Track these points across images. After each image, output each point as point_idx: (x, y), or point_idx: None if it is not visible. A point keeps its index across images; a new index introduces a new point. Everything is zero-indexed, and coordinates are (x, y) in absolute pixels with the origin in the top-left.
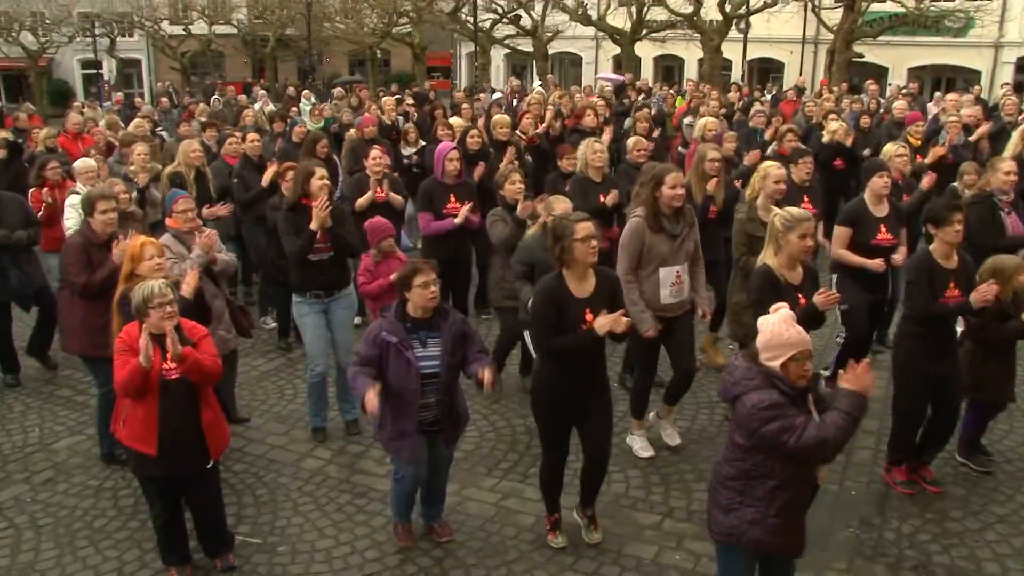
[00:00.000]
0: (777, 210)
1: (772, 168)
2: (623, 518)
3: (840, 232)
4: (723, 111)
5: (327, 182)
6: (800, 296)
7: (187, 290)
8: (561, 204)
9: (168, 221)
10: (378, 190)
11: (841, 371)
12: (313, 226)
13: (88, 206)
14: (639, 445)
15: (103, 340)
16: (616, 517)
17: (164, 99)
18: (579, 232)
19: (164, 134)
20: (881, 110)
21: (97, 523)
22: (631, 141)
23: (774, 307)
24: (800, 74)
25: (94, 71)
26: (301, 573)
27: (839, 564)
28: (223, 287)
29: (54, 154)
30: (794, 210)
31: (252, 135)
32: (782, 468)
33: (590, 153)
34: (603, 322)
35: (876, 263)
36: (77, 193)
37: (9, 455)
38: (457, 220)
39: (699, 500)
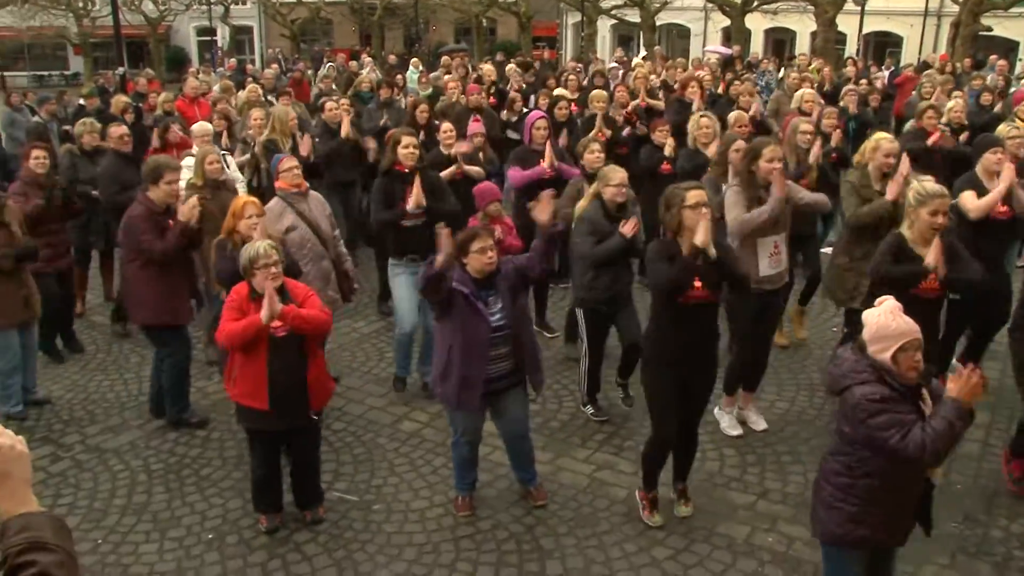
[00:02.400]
0: (914, 183)
1: (884, 140)
2: (716, 497)
3: (967, 194)
4: (827, 88)
5: (414, 150)
6: (932, 274)
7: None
8: (617, 174)
9: (276, 183)
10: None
11: (951, 373)
12: (410, 206)
13: (154, 175)
14: (727, 422)
15: (173, 306)
16: (709, 495)
17: (274, 65)
18: (690, 199)
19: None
20: (1012, 89)
21: (204, 471)
22: (732, 116)
23: (879, 299)
24: (920, 49)
25: (208, 38)
26: (394, 531)
27: (941, 559)
28: (331, 249)
29: (171, 117)
30: (929, 185)
31: (331, 103)
32: (887, 467)
33: (696, 128)
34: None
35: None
36: (192, 156)
37: (126, 402)
38: (545, 163)
39: (795, 482)
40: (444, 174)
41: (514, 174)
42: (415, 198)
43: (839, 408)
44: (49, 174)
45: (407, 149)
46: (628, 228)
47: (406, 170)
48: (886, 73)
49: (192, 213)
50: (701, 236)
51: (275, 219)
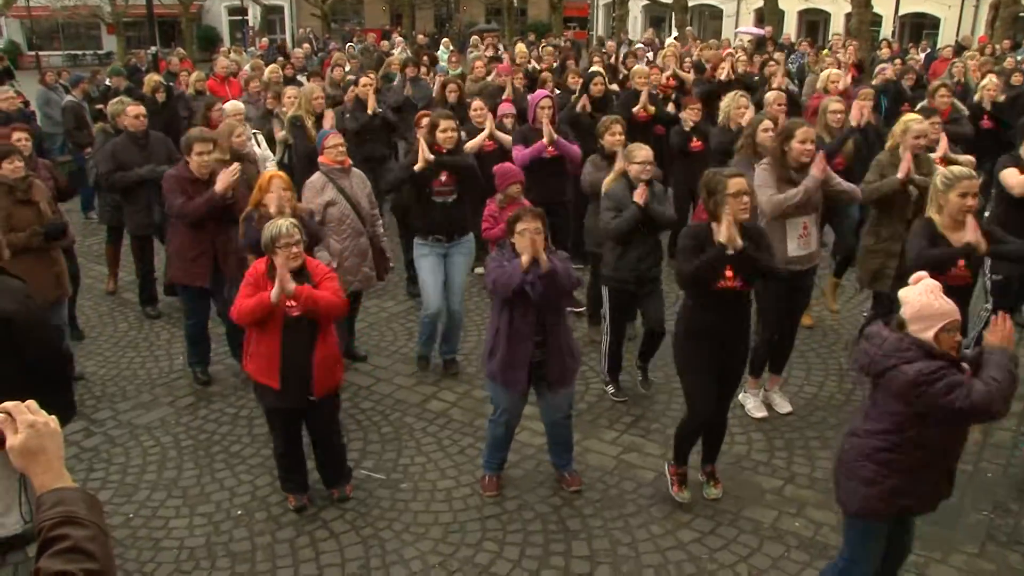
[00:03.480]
0: (940, 168)
1: (914, 122)
2: (743, 480)
3: (1010, 171)
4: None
5: (452, 133)
6: (960, 260)
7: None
8: (642, 152)
9: (320, 158)
10: (487, 141)
11: (985, 331)
12: (417, 167)
13: (187, 147)
14: (752, 404)
15: (194, 270)
16: (736, 479)
17: (306, 45)
18: (731, 187)
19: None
20: None
21: (233, 448)
22: (770, 96)
23: (914, 277)
24: (957, 31)
25: (240, 17)
26: (421, 510)
27: (969, 547)
28: (369, 226)
29: (203, 97)
30: (956, 168)
31: (365, 79)
32: (936, 435)
33: (734, 108)
34: (726, 231)
35: None
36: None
37: (157, 379)
38: (544, 140)
39: (823, 468)
40: (474, 143)
41: (517, 153)
42: (421, 155)
43: (877, 388)
44: (31, 156)
45: (445, 133)
46: (638, 195)
47: (444, 151)
48: (922, 55)
49: (229, 181)
50: (724, 233)
51: (316, 193)
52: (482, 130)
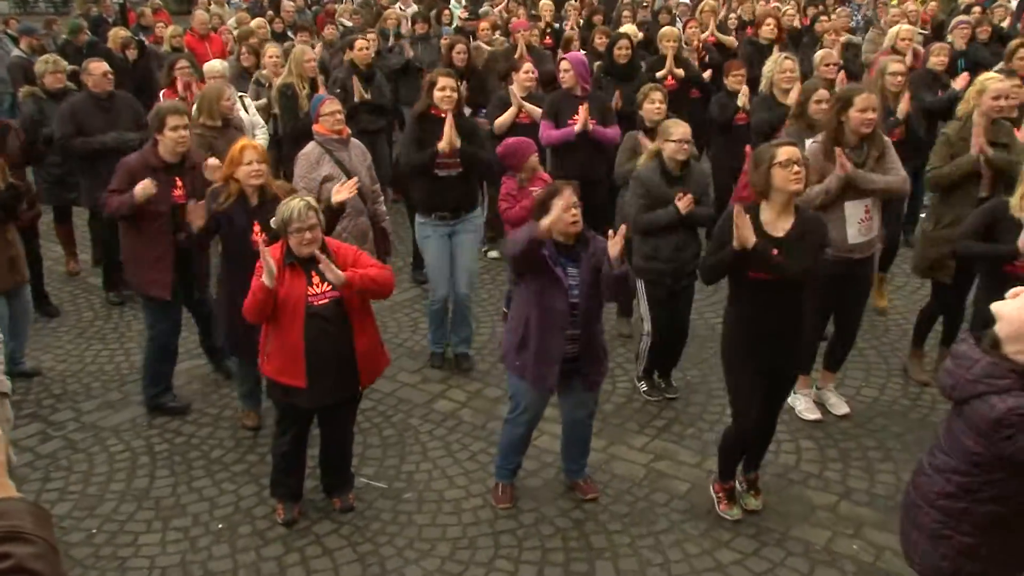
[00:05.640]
0: None
1: (992, 81)
2: (791, 495)
3: None
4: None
5: (451, 93)
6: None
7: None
8: (679, 128)
9: (315, 127)
10: (522, 112)
11: None
12: (441, 146)
13: (158, 121)
14: (803, 406)
15: (152, 276)
16: (783, 493)
17: None
18: (781, 155)
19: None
20: None
21: (214, 453)
22: (819, 55)
23: (1013, 292)
24: None
25: None
26: (427, 524)
27: None
28: (369, 204)
29: (181, 54)
30: None
31: (362, 41)
32: (1020, 489)
33: (777, 71)
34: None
35: None
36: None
37: (127, 375)
38: (577, 127)
39: (884, 483)
40: (505, 118)
41: (545, 131)
42: (447, 137)
43: (958, 415)
44: None
45: (443, 92)
46: (683, 204)
47: (442, 115)
48: (1014, 3)
49: (148, 193)
50: (739, 239)
51: (311, 167)
52: (523, 95)
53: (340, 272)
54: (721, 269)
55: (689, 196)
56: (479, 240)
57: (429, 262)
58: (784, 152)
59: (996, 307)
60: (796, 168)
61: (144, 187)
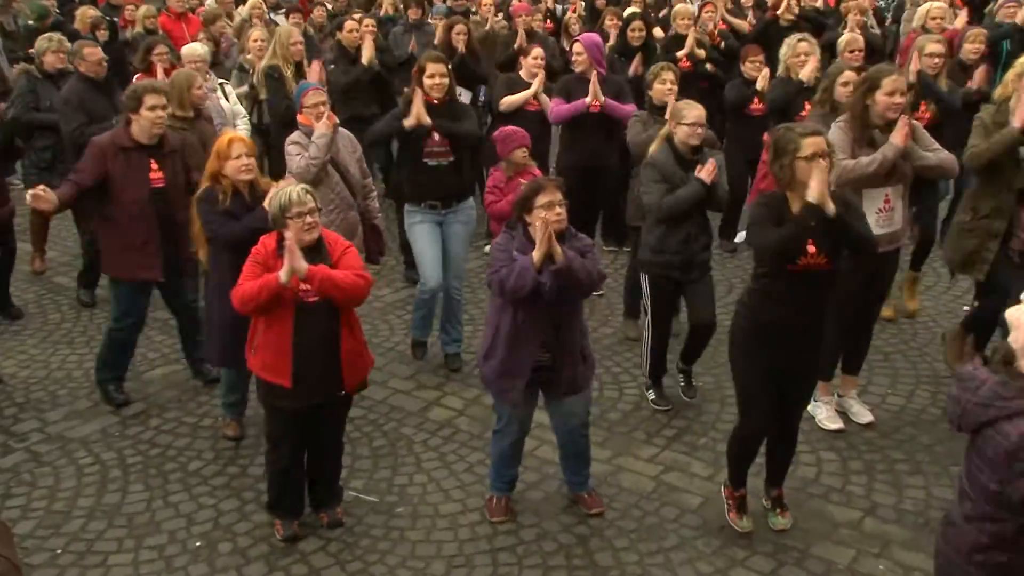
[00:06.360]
0: None
1: None
2: (811, 510)
3: None
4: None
5: (441, 80)
6: None
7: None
8: (693, 111)
9: (299, 117)
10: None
11: None
12: (407, 123)
13: (134, 100)
14: (824, 414)
15: (142, 260)
16: (802, 508)
17: None
18: (806, 148)
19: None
20: None
21: (192, 465)
22: (843, 40)
23: None
24: None
25: None
26: (421, 540)
27: None
28: (360, 199)
29: (156, 36)
30: None
31: (350, 23)
32: None
33: (791, 55)
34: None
35: None
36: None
37: None
38: (588, 99)
39: (913, 498)
40: (516, 98)
41: (555, 107)
42: (416, 112)
43: (974, 449)
44: None
45: (433, 79)
46: (707, 172)
47: (434, 101)
48: None
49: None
50: (815, 190)
51: (305, 148)
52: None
53: (304, 264)
54: (791, 243)
55: (712, 162)
56: (470, 232)
57: (418, 250)
58: (809, 145)
59: (1009, 313)
60: (823, 163)
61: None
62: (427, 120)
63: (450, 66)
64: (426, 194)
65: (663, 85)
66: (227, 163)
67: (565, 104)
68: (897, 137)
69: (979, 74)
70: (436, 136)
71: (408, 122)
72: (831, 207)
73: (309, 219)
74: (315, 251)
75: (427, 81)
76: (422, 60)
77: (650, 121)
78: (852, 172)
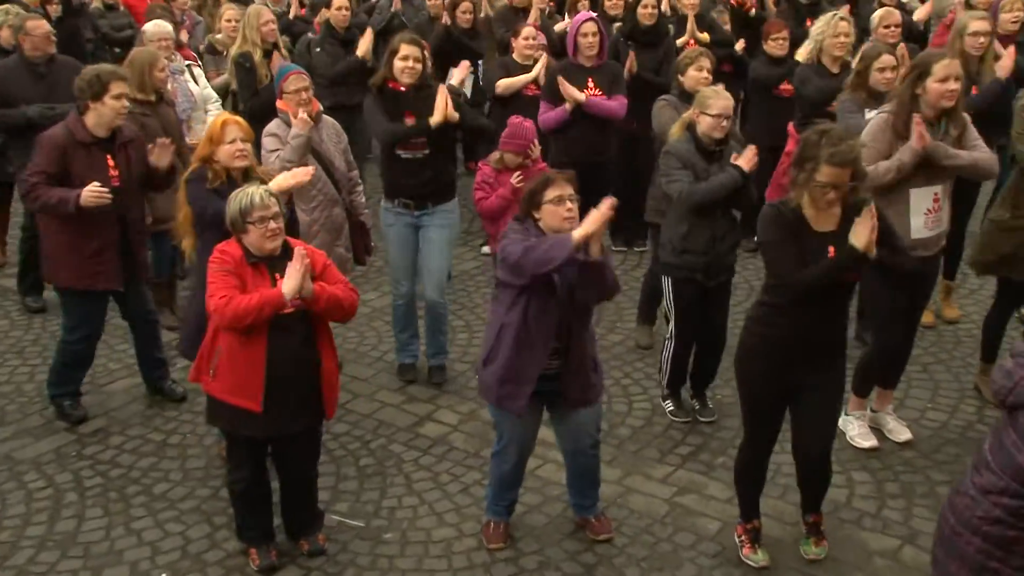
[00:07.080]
0: None
1: None
2: (843, 537)
3: None
4: None
5: (414, 64)
6: None
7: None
8: (720, 101)
9: (279, 103)
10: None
11: None
12: (433, 121)
13: (99, 86)
14: (857, 431)
15: (97, 268)
16: (833, 535)
17: None
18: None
19: None
20: None
21: (157, 488)
22: (878, 15)
23: None
24: None
25: None
26: (411, 568)
27: None
28: (345, 193)
29: (115, 12)
30: None
31: (340, 1)
32: None
33: (830, 35)
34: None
35: None
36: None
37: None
38: (578, 96)
39: None
40: (513, 82)
41: (542, 115)
42: (440, 109)
43: (1012, 425)
44: None
45: (405, 62)
46: (746, 160)
47: (402, 89)
48: None
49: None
50: (863, 238)
51: (282, 143)
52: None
53: (311, 284)
54: (830, 280)
55: (753, 150)
56: (451, 238)
57: (390, 253)
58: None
59: None
60: (866, 213)
61: (96, 197)
62: (455, 116)
63: (435, 44)
64: (398, 191)
65: (700, 73)
66: (220, 148)
67: (552, 110)
68: (914, 140)
69: (1009, 53)
70: (408, 122)
71: (434, 120)
72: (874, 252)
73: (272, 225)
74: (280, 261)
75: (398, 63)
76: (395, 41)
77: (681, 107)
78: (874, 178)
